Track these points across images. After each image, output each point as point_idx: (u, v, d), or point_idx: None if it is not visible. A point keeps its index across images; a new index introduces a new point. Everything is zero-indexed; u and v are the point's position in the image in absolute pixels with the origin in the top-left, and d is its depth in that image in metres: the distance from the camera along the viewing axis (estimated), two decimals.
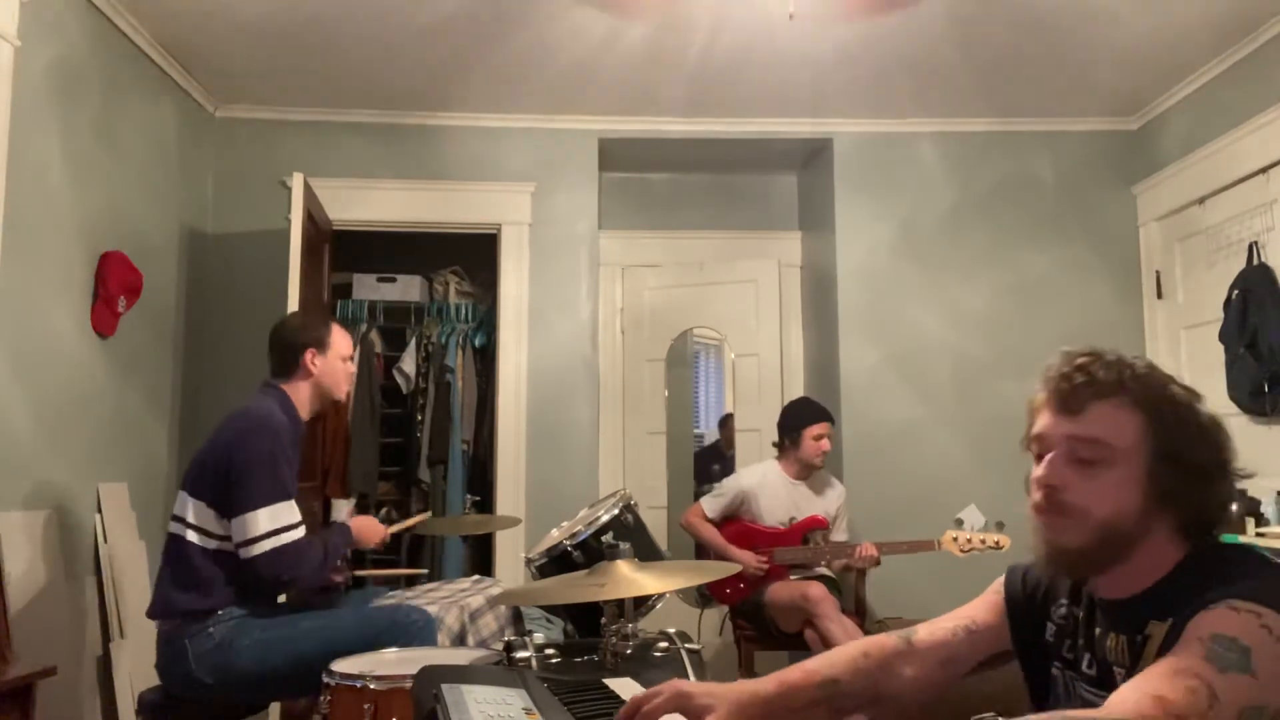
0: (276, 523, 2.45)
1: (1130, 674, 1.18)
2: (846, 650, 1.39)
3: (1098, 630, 1.26)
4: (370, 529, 2.80)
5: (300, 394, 2.71)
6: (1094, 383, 1.21)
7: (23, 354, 3.01)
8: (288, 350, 2.72)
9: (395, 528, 2.98)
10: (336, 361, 2.75)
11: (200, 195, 4.35)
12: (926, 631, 1.41)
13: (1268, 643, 1.04)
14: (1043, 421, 1.26)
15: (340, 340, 2.78)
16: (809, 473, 3.97)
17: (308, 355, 2.70)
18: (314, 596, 2.84)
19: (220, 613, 2.46)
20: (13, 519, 2.90)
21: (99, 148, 3.46)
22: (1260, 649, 1.03)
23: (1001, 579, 1.44)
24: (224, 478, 2.48)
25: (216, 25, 3.66)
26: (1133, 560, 1.21)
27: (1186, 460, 1.19)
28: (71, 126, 3.28)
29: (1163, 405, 1.21)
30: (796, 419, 3.96)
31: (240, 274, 4.36)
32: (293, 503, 2.52)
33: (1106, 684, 1.23)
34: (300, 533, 2.51)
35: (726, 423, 5.76)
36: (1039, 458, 1.25)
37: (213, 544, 2.49)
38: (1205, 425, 1.22)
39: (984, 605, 1.43)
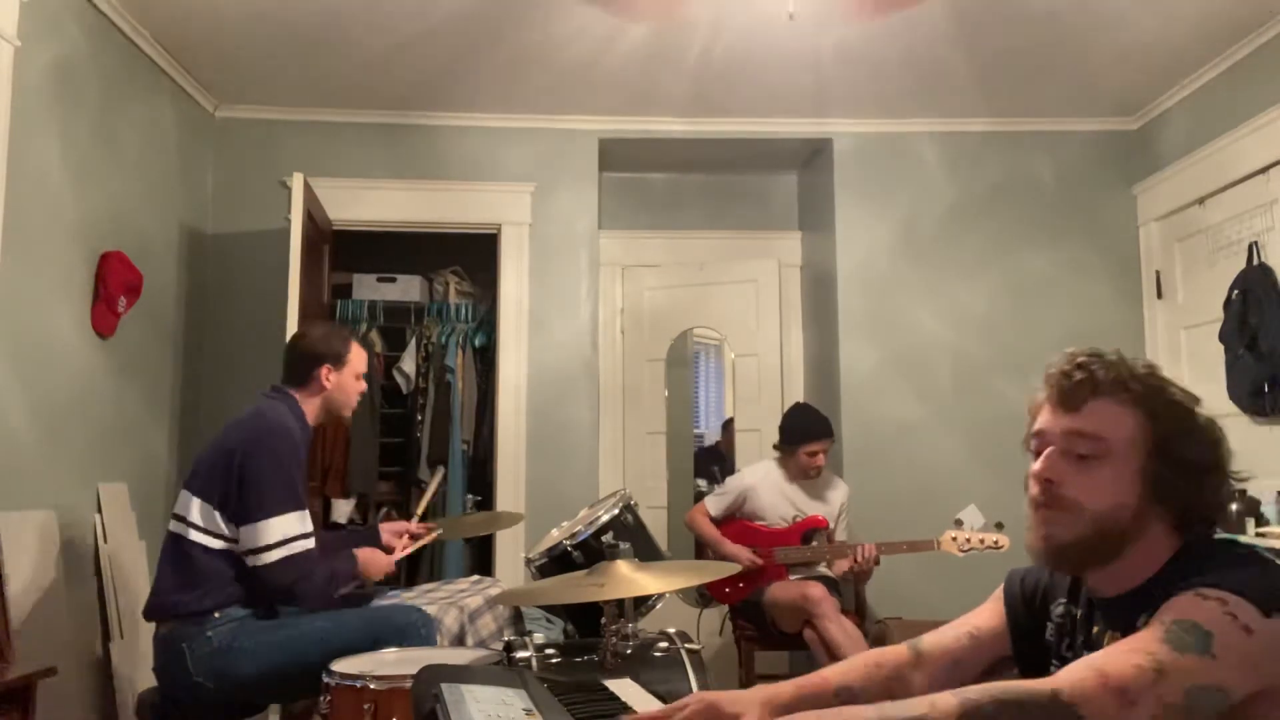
0: (288, 532, 2.44)
1: None
2: (860, 660, 1.42)
3: (1095, 629, 1.28)
4: (375, 561, 2.73)
5: (310, 405, 2.70)
6: (1094, 380, 1.24)
7: (23, 354, 3.01)
8: (305, 361, 2.70)
9: (399, 554, 2.89)
10: (350, 379, 2.74)
11: (200, 195, 4.35)
12: (932, 640, 1.43)
13: (1232, 628, 1.06)
14: (1043, 418, 1.28)
15: (358, 358, 2.76)
16: (807, 477, 3.96)
17: (324, 369, 2.68)
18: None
19: (218, 615, 2.44)
20: (13, 519, 2.89)
21: (99, 148, 3.46)
22: (1224, 634, 1.05)
23: (1002, 585, 1.46)
24: (236, 482, 2.45)
25: (216, 25, 3.66)
26: (1127, 556, 1.22)
27: (1182, 457, 1.21)
28: (71, 126, 3.28)
29: (1160, 404, 1.23)
30: (795, 434, 3.90)
31: (240, 274, 4.35)
32: (305, 512, 2.51)
33: None
34: (311, 543, 2.49)
35: (728, 428, 5.76)
36: (1037, 454, 1.27)
37: (216, 543, 2.47)
38: (1201, 425, 1.24)
39: (986, 611, 1.45)
